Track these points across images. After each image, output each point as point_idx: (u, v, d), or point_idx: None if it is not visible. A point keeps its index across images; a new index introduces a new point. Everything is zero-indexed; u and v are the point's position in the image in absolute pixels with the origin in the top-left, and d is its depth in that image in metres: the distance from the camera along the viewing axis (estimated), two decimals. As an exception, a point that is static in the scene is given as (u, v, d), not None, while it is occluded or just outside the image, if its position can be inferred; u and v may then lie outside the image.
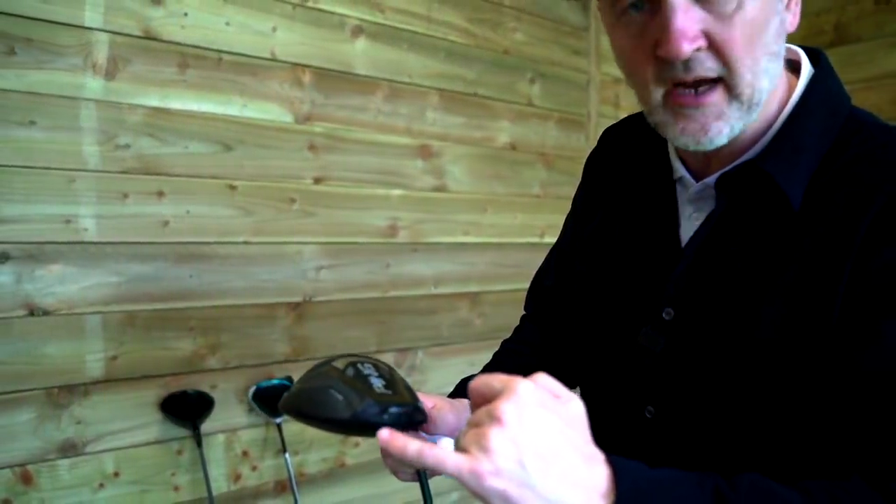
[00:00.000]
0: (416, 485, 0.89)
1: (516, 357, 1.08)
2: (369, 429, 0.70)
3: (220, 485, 1.95)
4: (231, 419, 1.99)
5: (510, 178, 2.67)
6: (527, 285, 1.18)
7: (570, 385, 0.76)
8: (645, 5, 0.71)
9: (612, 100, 3.04)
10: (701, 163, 0.83)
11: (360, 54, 2.23)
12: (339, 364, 0.76)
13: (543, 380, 0.62)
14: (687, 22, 0.68)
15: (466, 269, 2.56)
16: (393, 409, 0.72)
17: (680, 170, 0.86)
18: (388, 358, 2.34)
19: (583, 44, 2.90)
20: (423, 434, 0.77)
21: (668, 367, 0.82)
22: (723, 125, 0.73)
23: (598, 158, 1.06)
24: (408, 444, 0.61)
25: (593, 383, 0.89)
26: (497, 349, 1.14)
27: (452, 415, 0.84)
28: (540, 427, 0.57)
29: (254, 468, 2.04)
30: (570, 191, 3.04)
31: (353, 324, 2.25)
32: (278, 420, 2.03)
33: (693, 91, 0.73)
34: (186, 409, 1.86)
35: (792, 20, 0.77)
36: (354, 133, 2.23)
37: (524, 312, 1.18)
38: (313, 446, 2.17)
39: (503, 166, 2.65)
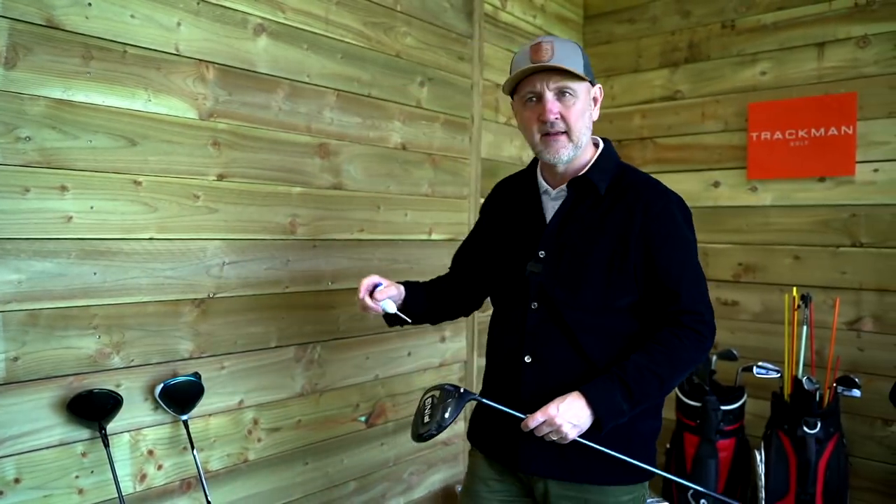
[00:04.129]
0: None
1: (446, 280, 1.97)
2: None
3: (126, 485, 1.92)
4: (136, 418, 1.96)
5: (401, 177, 2.78)
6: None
7: (476, 296, 1.95)
8: (534, 99, 1.61)
9: (493, 104, 3.22)
10: (557, 181, 1.70)
11: (262, 52, 2.25)
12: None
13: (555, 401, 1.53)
14: (552, 106, 1.58)
15: (362, 264, 2.63)
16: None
17: (544, 185, 1.72)
18: (288, 352, 2.38)
19: (467, 51, 3.06)
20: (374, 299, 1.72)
21: (544, 280, 1.63)
22: (564, 151, 1.61)
23: (493, 199, 1.92)
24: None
25: (502, 294, 1.78)
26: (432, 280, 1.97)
27: (395, 288, 1.76)
28: (566, 416, 1.50)
29: (159, 467, 2.02)
30: (455, 190, 3.28)
31: (255, 320, 2.27)
32: (185, 417, 2.01)
33: (552, 135, 1.61)
34: (93, 409, 1.81)
35: (595, 114, 1.67)
36: (257, 131, 2.24)
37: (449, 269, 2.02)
38: (217, 443, 2.17)
39: (395, 166, 2.75)
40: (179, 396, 1.99)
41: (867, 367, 2.98)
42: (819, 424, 2.70)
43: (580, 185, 1.64)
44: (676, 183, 3.49)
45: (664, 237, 1.58)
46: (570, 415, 1.49)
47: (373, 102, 2.64)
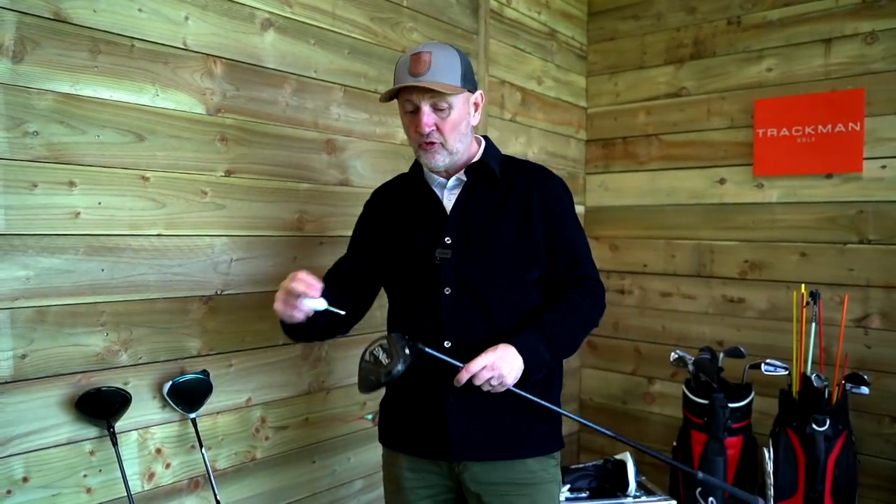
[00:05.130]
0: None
1: (345, 281, 1.86)
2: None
3: (134, 484, 1.89)
4: (144, 416, 1.94)
5: (408, 174, 2.75)
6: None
7: (363, 307, 1.91)
8: (412, 110, 1.68)
9: (498, 100, 3.20)
10: (449, 174, 1.78)
11: (270, 47, 2.23)
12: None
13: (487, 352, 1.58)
14: (428, 120, 1.66)
15: (368, 262, 2.61)
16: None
17: (437, 179, 1.80)
18: (295, 349, 2.36)
19: (473, 46, 3.04)
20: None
21: (454, 265, 1.71)
22: (440, 158, 1.70)
23: (376, 204, 1.95)
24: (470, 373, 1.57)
25: (408, 288, 1.78)
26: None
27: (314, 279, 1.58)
28: (504, 363, 1.55)
29: (167, 465, 2.00)
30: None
31: (262, 317, 2.24)
32: (193, 415, 1.99)
33: (428, 143, 1.69)
34: (101, 407, 1.79)
35: (475, 119, 1.76)
36: (264, 126, 2.22)
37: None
38: (225, 441, 2.15)
39: (401, 162, 2.73)
40: (187, 394, 1.97)
41: (875, 364, 2.97)
42: (828, 422, 2.69)
43: (478, 169, 1.76)
44: (682, 180, 3.50)
45: (561, 213, 1.77)
46: (507, 360, 1.56)
47: (379, 98, 2.62)
